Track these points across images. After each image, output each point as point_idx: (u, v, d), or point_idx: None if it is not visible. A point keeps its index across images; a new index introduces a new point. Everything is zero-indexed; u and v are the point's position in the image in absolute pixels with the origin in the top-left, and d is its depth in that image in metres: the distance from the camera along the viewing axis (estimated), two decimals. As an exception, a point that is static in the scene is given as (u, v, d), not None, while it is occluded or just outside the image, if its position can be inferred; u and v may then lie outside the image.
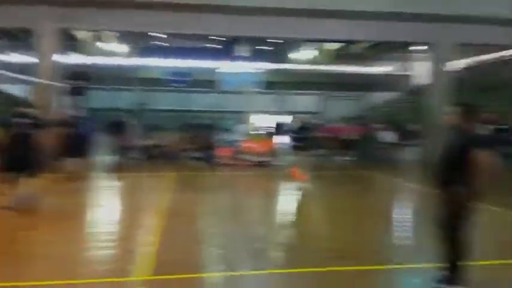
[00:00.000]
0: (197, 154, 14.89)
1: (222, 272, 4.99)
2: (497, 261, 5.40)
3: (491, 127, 15.69)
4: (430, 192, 7.67)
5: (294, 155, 12.25)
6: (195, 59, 30.70)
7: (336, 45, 35.96)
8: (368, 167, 14.66)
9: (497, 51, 30.21)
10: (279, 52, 34.69)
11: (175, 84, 27.78)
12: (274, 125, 22.65)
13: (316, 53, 37.03)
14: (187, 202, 8.80)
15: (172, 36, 25.55)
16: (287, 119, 22.36)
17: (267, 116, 27.86)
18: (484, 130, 14.42)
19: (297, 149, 11.70)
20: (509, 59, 28.82)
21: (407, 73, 38.20)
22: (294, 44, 33.06)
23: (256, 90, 21.31)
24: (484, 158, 4.09)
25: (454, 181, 4.21)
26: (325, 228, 7.25)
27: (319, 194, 10.39)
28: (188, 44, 31.30)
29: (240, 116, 22.87)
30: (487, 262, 5.29)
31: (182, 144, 15.01)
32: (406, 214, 8.72)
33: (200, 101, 30.05)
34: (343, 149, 16.64)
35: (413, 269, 5.21)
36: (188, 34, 21.75)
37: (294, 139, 11.87)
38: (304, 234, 6.89)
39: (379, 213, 8.17)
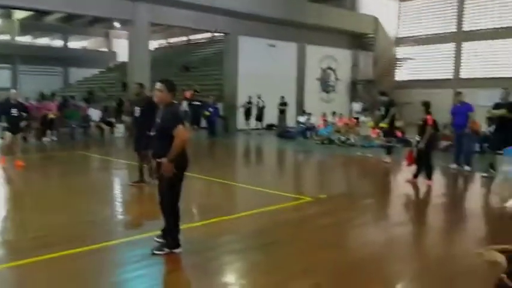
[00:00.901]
0: None
1: None
2: (204, 222, 6.07)
3: (188, 102, 17.47)
4: (139, 165, 8.03)
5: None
6: None
7: (24, 14, 31.81)
8: (74, 146, 14.02)
9: (192, 34, 33.52)
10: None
11: None
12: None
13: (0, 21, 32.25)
14: None
15: None
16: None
17: None
18: (182, 105, 15.92)
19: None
20: (202, 42, 32.50)
21: (109, 49, 37.99)
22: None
23: None
24: (183, 132, 4.51)
25: (165, 153, 4.48)
26: (30, 216, 6.60)
27: (23, 179, 9.32)
28: None
29: None
30: (197, 223, 5.92)
31: None
32: (116, 190, 8.79)
33: None
34: (45, 129, 15.32)
35: (132, 241, 5.25)
36: None
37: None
38: (3, 226, 6.10)
39: (89, 192, 7.97)
